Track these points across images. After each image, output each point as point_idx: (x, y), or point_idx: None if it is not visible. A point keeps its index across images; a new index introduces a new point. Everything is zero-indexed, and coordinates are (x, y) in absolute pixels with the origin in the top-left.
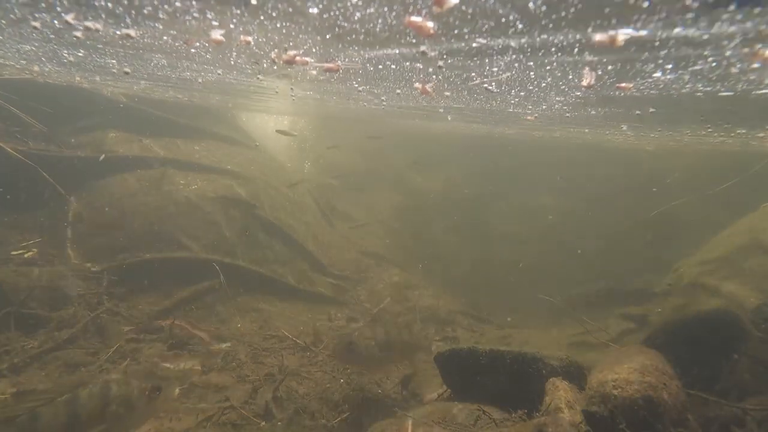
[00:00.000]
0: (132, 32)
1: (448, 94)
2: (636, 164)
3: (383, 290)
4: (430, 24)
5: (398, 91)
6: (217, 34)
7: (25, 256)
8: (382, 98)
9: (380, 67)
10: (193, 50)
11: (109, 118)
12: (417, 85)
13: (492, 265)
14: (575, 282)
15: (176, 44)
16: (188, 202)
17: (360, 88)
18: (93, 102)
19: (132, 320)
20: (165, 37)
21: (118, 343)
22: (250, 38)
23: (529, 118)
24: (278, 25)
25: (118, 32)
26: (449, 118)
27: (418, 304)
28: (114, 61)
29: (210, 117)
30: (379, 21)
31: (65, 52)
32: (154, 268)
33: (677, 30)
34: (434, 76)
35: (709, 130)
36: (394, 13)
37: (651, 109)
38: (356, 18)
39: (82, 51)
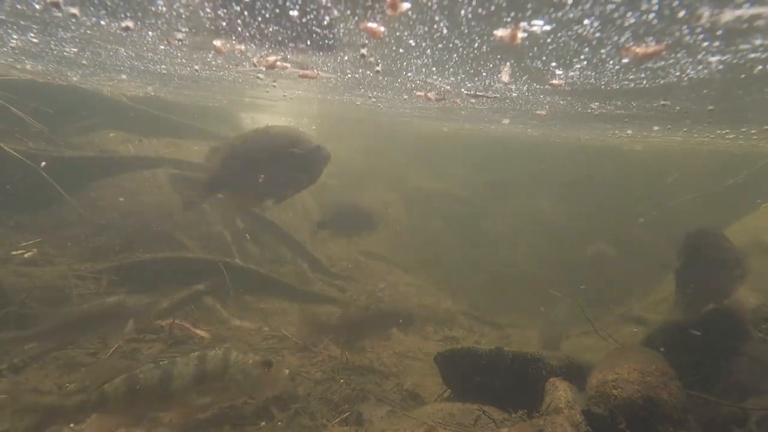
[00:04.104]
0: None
1: (473, 100)
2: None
3: (384, 290)
4: (382, 29)
5: (405, 96)
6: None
7: (25, 256)
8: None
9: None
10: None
11: (109, 118)
12: (419, 93)
13: (491, 265)
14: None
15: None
16: None
17: (372, 96)
18: (93, 102)
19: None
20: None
21: (118, 343)
22: (242, 46)
23: (540, 113)
24: (272, 29)
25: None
26: (506, 122)
27: (417, 302)
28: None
29: (211, 117)
30: (341, 25)
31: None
32: (154, 268)
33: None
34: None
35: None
36: (356, 18)
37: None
38: (325, 22)
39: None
